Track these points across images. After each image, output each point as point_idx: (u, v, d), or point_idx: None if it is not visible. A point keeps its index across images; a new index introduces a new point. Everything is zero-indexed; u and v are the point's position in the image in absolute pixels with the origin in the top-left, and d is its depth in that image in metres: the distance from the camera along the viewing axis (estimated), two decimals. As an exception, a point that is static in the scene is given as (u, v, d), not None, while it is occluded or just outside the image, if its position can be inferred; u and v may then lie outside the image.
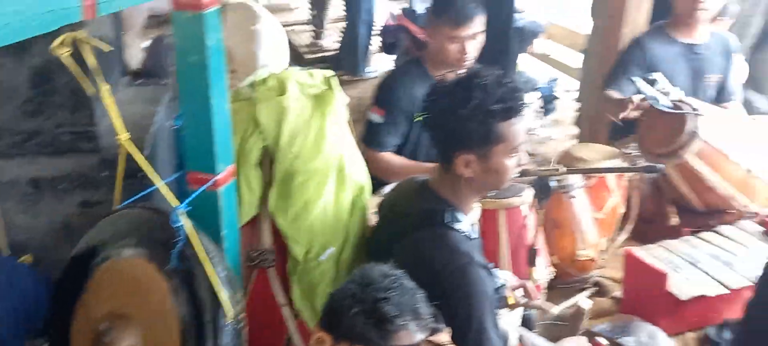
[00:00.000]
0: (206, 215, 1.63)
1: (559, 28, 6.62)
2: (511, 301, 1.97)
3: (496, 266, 2.00)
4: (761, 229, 2.55)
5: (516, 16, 5.31)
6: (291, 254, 1.94)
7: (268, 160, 1.93)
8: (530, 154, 4.78)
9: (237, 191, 1.79)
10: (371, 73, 6.25)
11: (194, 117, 1.61)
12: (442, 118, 1.78)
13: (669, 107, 2.53)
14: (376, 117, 2.70)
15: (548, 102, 5.04)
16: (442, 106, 1.78)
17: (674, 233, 2.62)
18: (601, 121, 3.45)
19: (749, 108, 4.21)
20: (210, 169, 1.63)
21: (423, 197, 1.86)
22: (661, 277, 2.23)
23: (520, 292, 2.01)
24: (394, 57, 5.86)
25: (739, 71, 3.23)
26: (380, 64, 6.34)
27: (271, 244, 1.95)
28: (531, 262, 2.17)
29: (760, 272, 1.93)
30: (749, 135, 2.72)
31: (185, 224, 1.49)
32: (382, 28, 5.89)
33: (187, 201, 1.53)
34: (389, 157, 2.71)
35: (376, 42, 6.39)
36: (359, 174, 2.06)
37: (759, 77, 4.40)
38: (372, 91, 2.84)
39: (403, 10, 5.81)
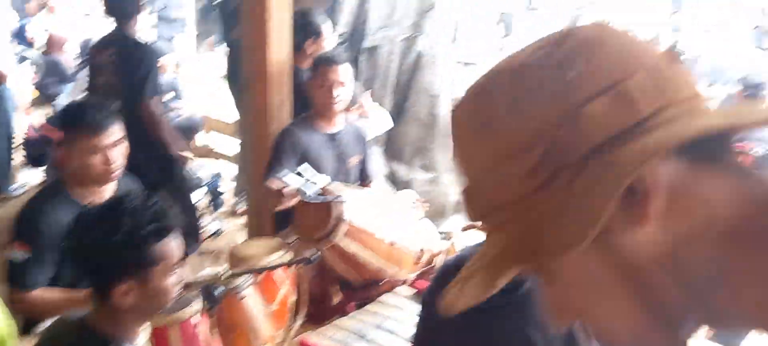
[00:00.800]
0: None
1: (214, 121, 6.78)
2: None
3: (171, 388, 1.95)
4: (414, 291, 2.87)
5: (172, 114, 5.34)
6: None
7: None
8: (202, 253, 4.77)
9: None
10: (18, 189, 5.69)
11: None
12: (93, 249, 1.71)
13: (316, 196, 2.73)
14: (21, 254, 2.45)
15: (216, 197, 5.11)
16: (91, 237, 1.71)
17: (342, 309, 2.81)
18: (265, 213, 3.60)
19: (394, 178, 4.73)
20: None
21: (81, 338, 1.73)
22: (334, 358, 2.36)
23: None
24: (44, 168, 5.45)
25: (375, 155, 3.63)
26: (28, 178, 5.83)
27: None
28: (207, 373, 2.15)
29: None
30: (389, 210, 3.05)
31: None
32: (24, 141, 5.43)
33: None
34: (41, 293, 2.47)
35: (19, 156, 5.86)
36: (-1, 324, 1.85)
37: (398, 149, 5.01)
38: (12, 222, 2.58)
39: (49, 119, 5.45)
